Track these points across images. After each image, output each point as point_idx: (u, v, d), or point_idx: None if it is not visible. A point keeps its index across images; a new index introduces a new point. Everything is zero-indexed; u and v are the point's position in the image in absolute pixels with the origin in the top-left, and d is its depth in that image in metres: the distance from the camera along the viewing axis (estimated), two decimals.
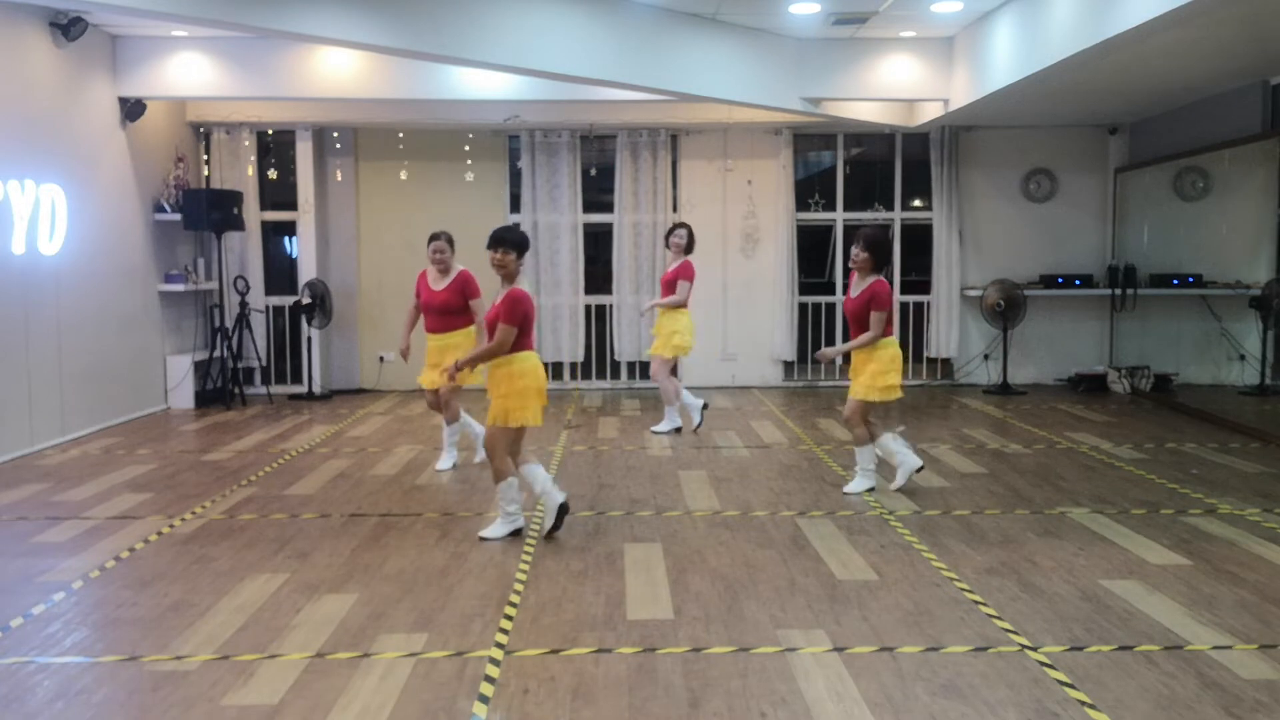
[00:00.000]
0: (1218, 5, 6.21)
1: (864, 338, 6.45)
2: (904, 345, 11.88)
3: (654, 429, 8.87)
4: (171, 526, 5.88)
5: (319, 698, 3.62)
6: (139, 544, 5.52)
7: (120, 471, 7.36)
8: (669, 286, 8.61)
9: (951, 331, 11.75)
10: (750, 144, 11.59)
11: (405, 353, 7.44)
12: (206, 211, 9.99)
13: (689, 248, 8.64)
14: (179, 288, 10.30)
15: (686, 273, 8.56)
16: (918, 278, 11.99)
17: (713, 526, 5.86)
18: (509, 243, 5.47)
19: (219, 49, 9.53)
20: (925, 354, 11.91)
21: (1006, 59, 8.50)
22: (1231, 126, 9.51)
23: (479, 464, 7.41)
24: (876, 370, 6.42)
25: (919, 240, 11.85)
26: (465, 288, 7.19)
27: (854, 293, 6.50)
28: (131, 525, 5.90)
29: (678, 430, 8.81)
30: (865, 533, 5.69)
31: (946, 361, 11.97)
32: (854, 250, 6.49)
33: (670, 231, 8.76)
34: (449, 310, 7.16)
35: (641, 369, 11.82)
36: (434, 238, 7.24)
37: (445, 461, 7.44)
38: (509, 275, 5.48)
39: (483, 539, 5.54)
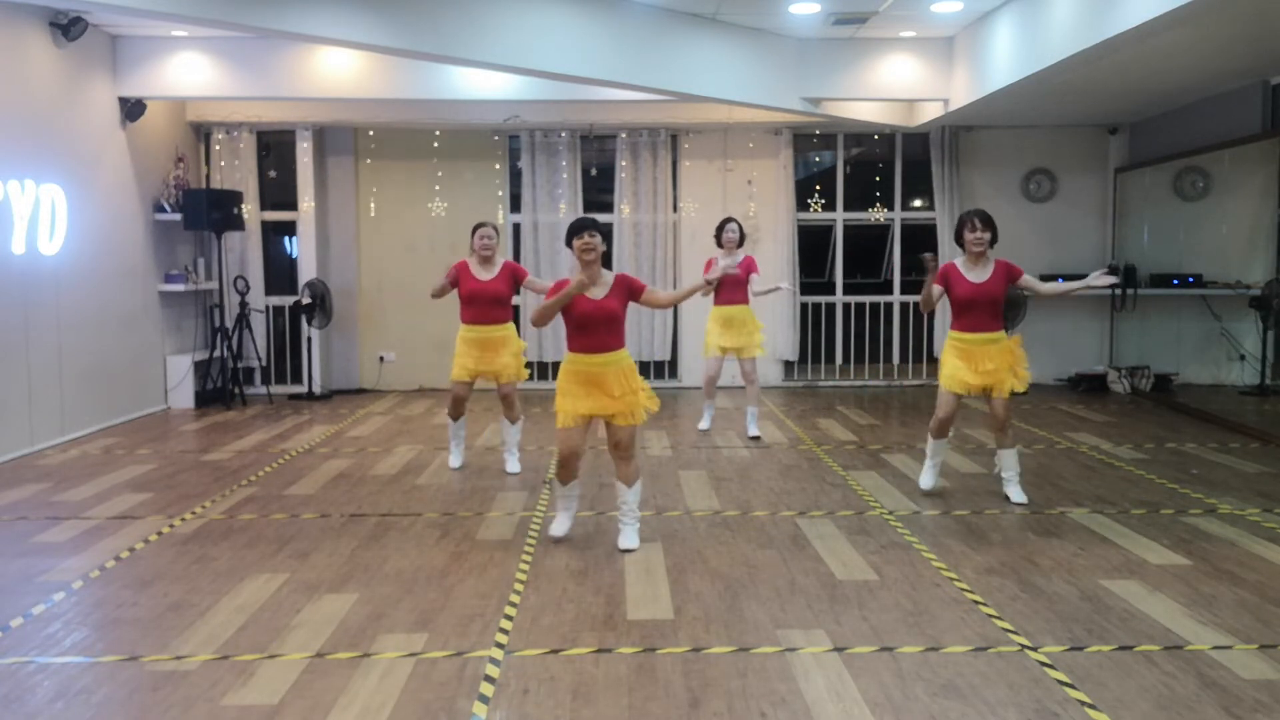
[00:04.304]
0: (1218, 5, 6.21)
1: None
2: (905, 345, 12.09)
3: (753, 433, 8.59)
4: (171, 526, 5.88)
5: (319, 698, 3.62)
6: (139, 544, 5.52)
7: (120, 471, 7.36)
8: (743, 284, 8.28)
9: None
10: (750, 144, 11.58)
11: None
12: (206, 211, 9.99)
13: (743, 240, 8.44)
14: (179, 288, 10.30)
15: (754, 266, 8.44)
16: (918, 277, 11.96)
17: (713, 526, 5.86)
18: (600, 227, 5.40)
19: (219, 49, 9.53)
20: (926, 353, 11.92)
21: (1006, 59, 8.50)
22: (1231, 126, 9.50)
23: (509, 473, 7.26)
24: (1019, 358, 6.23)
25: (920, 240, 11.84)
26: (514, 275, 7.06)
27: (978, 277, 6.10)
28: (131, 525, 5.90)
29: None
30: (865, 533, 5.69)
31: None
32: (974, 234, 6.07)
33: (722, 226, 8.35)
34: (500, 300, 7.00)
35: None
36: (480, 225, 7.00)
37: (513, 465, 7.24)
38: (598, 259, 5.35)
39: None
